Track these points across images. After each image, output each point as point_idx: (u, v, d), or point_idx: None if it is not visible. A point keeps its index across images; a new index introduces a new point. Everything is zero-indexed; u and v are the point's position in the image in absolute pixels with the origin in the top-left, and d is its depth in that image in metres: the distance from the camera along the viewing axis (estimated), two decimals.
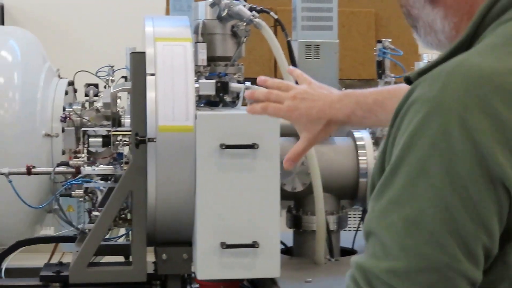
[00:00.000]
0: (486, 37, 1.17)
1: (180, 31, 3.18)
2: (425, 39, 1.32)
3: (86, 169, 3.26)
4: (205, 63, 3.20)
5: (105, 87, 3.70)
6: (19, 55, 3.72)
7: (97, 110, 3.52)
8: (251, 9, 3.17)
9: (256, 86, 2.05)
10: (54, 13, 6.76)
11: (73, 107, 3.57)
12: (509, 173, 1.08)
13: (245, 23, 3.19)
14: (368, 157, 3.50)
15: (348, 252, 3.59)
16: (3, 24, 6.58)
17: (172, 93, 3.03)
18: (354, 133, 3.57)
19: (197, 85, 3.13)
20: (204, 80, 3.18)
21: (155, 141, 3.01)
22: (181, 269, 3.16)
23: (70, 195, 3.29)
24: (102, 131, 3.29)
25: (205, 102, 3.27)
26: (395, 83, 3.50)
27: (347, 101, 1.74)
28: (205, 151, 3.00)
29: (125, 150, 3.29)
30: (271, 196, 3.04)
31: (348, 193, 3.53)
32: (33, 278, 3.29)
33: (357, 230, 3.70)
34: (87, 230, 3.30)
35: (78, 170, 3.29)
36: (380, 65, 3.66)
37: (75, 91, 3.90)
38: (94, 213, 3.24)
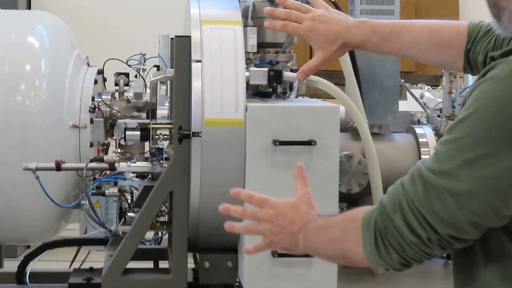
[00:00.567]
0: None
1: (229, 13, 3.06)
2: (508, 27, 1.53)
3: (121, 166, 3.15)
4: (255, 50, 3.07)
5: (136, 76, 3.60)
6: (47, 41, 3.59)
7: (128, 101, 3.47)
8: None
9: None
10: None
11: (103, 97, 3.54)
12: None
13: None
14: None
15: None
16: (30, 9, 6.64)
17: (220, 82, 2.90)
18: (416, 129, 3.46)
19: (247, 74, 3.00)
20: (255, 68, 3.05)
21: (200, 136, 2.89)
22: (225, 279, 3.06)
23: (103, 194, 3.17)
24: (133, 123, 3.22)
25: (253, 93, 3.15)
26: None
27: (364, 27, 1.97)
28: (256, 147, 2.90)
29: (165, 145, 3.17)
30: (329, 198, 2.91)
31: None
32: (60, 285, 3.23)
33: None
34: (120, 233, 3.22)
35: (112, 166, 3.18)
36: None
37: (104, 80, 3.83)
38: (130, 214, 3.19)
